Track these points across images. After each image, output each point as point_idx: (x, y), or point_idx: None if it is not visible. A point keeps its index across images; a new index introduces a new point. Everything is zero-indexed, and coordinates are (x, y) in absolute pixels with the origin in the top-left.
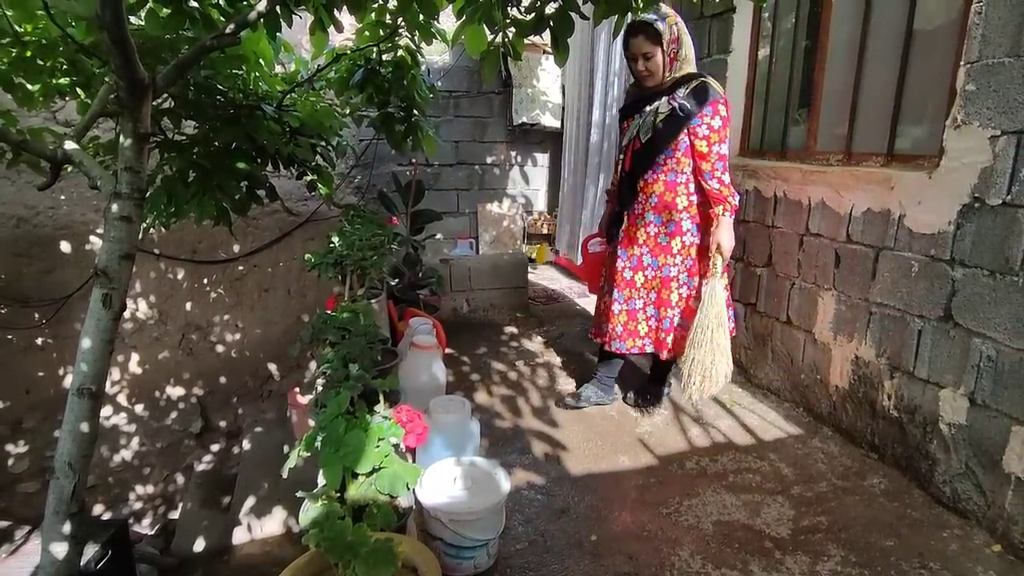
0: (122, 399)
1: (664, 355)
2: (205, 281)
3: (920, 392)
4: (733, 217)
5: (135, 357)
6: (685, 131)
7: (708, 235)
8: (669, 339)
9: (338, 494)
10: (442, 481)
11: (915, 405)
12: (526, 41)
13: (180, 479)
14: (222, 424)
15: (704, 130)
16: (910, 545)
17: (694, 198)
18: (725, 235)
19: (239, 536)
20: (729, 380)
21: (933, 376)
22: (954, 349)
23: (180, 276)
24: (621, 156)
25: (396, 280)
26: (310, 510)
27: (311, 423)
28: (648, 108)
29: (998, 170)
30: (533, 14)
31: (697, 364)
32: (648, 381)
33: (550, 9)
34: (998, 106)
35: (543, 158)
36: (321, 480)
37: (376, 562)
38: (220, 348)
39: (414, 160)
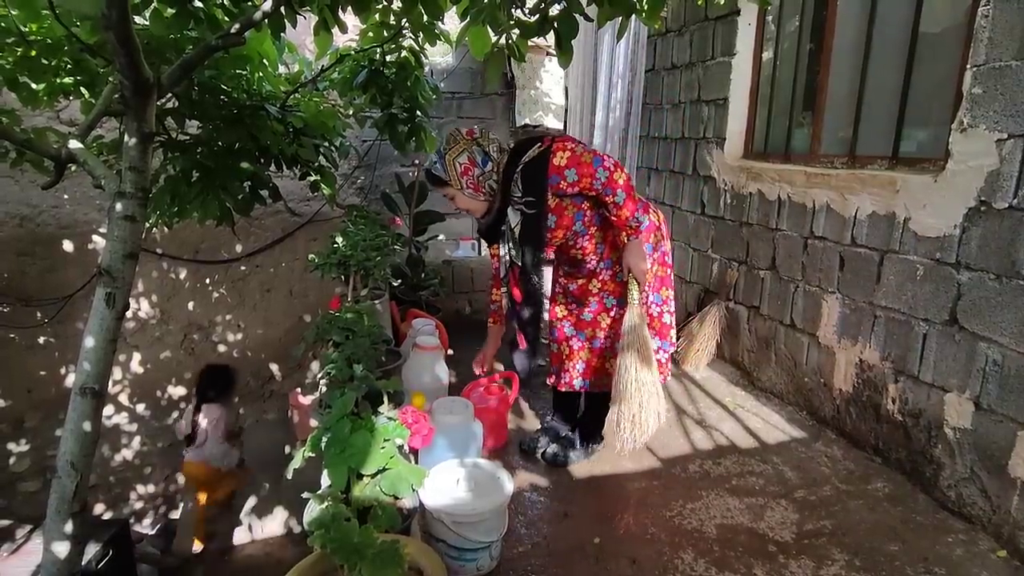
0: (124, 398)
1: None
2: (207, 281)
3: (925, 396)
4: (637, 238)
5: (137, 356)
6: (549, 205)
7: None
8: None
9: (342, 495)
10: (445, 483)
11: (920, 409)
12: (529, 43)
13: (181, 479)
14: None
15: (569, 189)
16: (914, 550)
17: (601, 248)
18: (631, 258)
19: (240, 536)
20: (663, 420)
21: (938, 380)
22: (959, 353)
23: (182, 276)
24: (505, 290)
25: (399, 281)
26: (315, 511)
27: (313, 423)
28: (503, 228)
29: (1004, 173)
30: (537, 16)
31: (625, 411)
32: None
33: (554, 11)
34: (1005, 109)
35: None
36: (325, 480)
37: (383, 564)
38: (222, 348)
39: (417, 161)
